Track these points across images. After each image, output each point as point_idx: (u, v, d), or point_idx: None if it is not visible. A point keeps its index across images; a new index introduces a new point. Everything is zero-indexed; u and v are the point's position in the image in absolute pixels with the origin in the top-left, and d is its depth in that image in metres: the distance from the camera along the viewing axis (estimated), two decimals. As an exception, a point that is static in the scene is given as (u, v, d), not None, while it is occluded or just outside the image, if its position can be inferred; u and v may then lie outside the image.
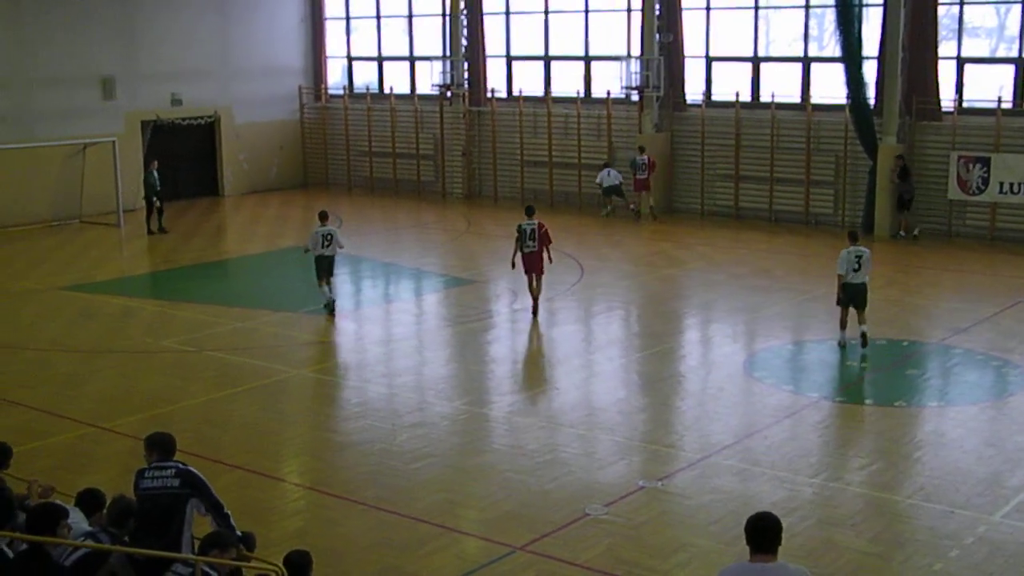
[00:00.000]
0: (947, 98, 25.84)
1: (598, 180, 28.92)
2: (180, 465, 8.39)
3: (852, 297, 16.79)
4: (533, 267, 19.07)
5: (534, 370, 16.54)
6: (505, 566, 10.23)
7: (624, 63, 29.19)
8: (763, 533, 6.40)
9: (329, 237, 19.50)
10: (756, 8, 28.22)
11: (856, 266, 16.75)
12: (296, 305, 20.35)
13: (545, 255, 19.03)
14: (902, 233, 25.55)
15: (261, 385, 15.79)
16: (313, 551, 8.11)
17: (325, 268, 19.57)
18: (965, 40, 26.12)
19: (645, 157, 28.41)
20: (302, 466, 13.15)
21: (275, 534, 10.60)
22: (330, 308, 19.53)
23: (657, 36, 28.55)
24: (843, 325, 16.87)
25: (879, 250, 24.57)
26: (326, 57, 35.83)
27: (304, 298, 20.96)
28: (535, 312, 19.14)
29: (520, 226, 19.20)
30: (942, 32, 25.98)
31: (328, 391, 15.79)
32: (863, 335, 16.71)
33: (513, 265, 19.16)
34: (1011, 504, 11.38)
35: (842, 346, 16.83)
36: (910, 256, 24.03)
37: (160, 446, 8.45)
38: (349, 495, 11.86)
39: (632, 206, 28.75)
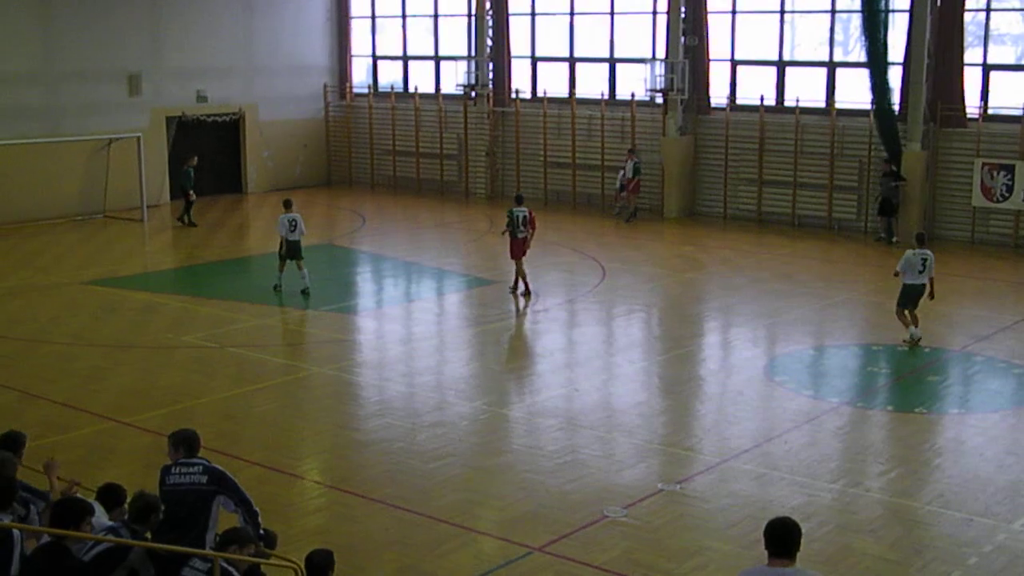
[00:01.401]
0: (972, 105, 25.73)
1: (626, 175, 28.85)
2: (207, 462, 8.44)
3: (913, 297, 17.17)
4: (522, 251, 20.50)
5: (554, 371, 16.56)
6: (523, 567, 10.26)
7: (649, 65, 29.17)
8: (782, 537, 6.41)
9: (295, 222, 20.62)
10: (782, 12, 28.15)
11: (921, 268, 17.11)
12: (318, 303, 20.44)
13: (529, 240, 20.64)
14: (894, 239, 25.49)
15: (282, 382, 15.88)
16: (331, 548, 8.15)
17: (292, 252, 20.67)
18: (991, 47, 26.00)
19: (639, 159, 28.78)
20: (322, 463, 13.21)
21: (294, 531, 10.66)
22: (305, 293, 20.60)
23: (682, 39, 28.53)
24: (907, 323, 17.26)
25: (899, 256, 24.52)
26: (351, 56, 35.94)
27: (326, 296, 21.07)
28: (528, 293, 20.48)
29: (512, 212, 20.61)
30: (968, 39, 25.87)
31: (348, 389, 15.85)
32: (916, 336, 17.17)
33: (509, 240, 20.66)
34: (1031, 513, 11.35)
35: (914, 342, 17.10)
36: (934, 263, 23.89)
37: (186, 443, 8.51)
38: (368, 493, 11.91)
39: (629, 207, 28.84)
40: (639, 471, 12.53)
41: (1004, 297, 21.02)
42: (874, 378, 16.43)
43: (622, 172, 28.86)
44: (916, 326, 17.25)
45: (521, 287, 20.67)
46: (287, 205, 21.20)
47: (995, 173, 24.89)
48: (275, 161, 34.61)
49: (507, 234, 20.76)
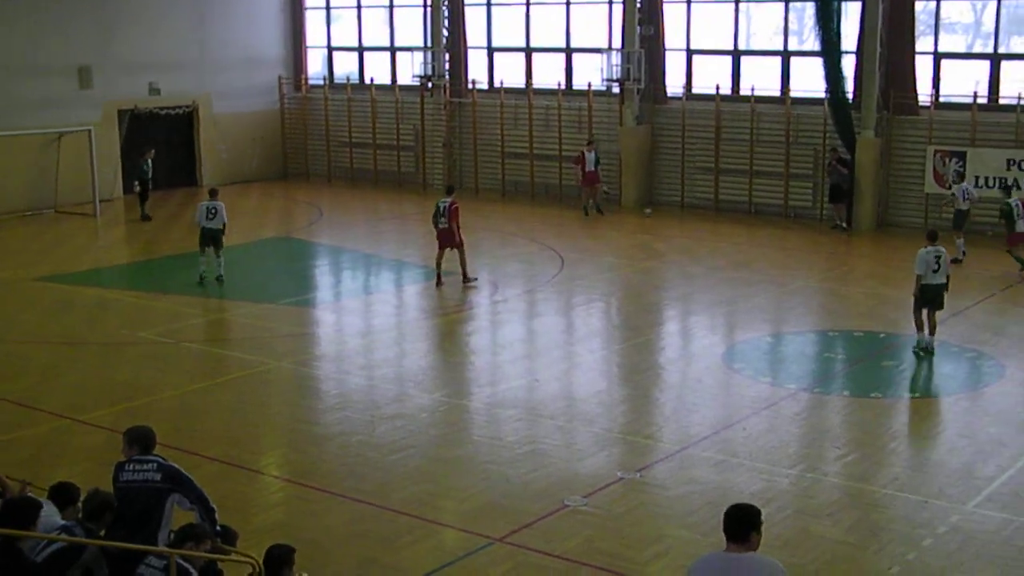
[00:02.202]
0: (924, 93, 26.00)
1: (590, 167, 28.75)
2: (161, 460, 8.32)
3: (932, 298, 16.19)
4: (445, 242, 20.51)
5: (514, 361, 16.57)
6: (483, 557, 10.26)
7: (605, 55, 29.17)
8: (739, 523, 6.45)
9: (214, 210, 20.76)
10: (736, 2, 28.28)
11: (936, 266, 16.15)
12: (275, 296, 20.32)
13: (456, 231, 20.42)
14: (843, 225, 25.85)
15: (239, 377, 15.76)
16: (292, 543, 8.11)
17: (209, 240, 20.77)
18: (942, 35, 26.32)
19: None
20: (281, 458, 13.13)
21: (253, 526, 10.58)
22: (219, 280, 20.86)
23: (638, 29, 28.59)
24: (920, 327, 16.27)
25: (859, 244, 24.77)
26: (306, 47, 35.69)
27: (283, 290, 20.96)
28: (465, 279, 20.57)
29: (437, 203, 20.81)
30: (919, 27, 26.14)
31: (307, 383, 15.76)
32: (930, 346, 16.20)
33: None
34: (983, 494, 11.49)
35: (922, 349, 16.15)
36: (888, 249, 24.17)
37: (140, 440, 8.36)
38: (328, 487, 11.86)
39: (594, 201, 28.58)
40: (599, 460, 12.56)
41: (956, 282, 21.08)
42: (831, 364, 16.56)
43: (578, 165, 28.70)
44: (932, 334, 16.20)
45: (462, 274, 20.62)
46: (211, 193, 21.49)
47: (947, 160, 25.17)
48: (230, 154, 34.33)
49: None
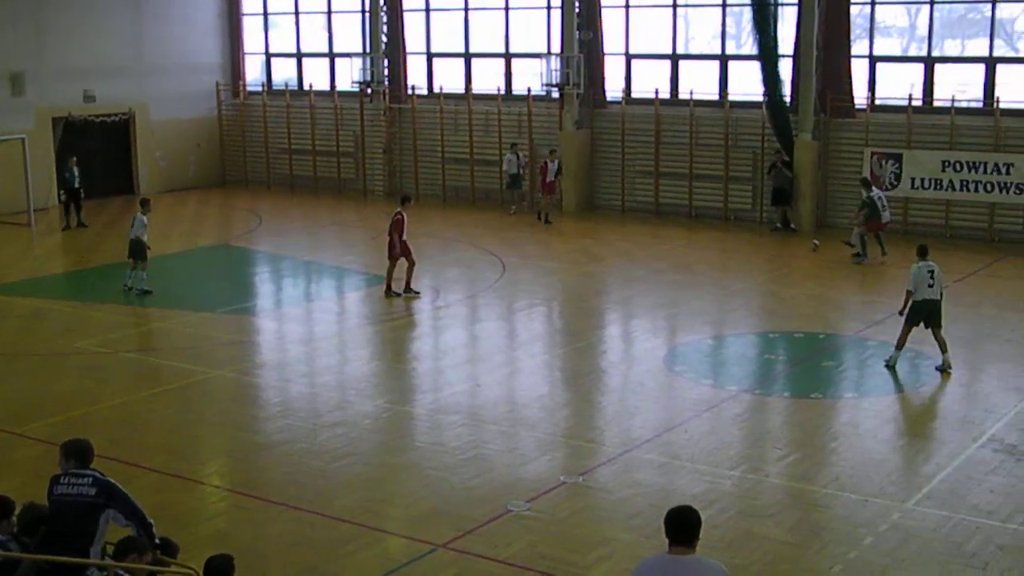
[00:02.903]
0: (860, 95, 26.35)
1: (505, 167, 29.00)
2: (98, 474, 8.17)
3: (928, 314, 15.67)
4: (390, 252, 20.35)
5: (456, 367, 16.52)
6: (427, 564, 10.22)
7: (544, 60, 29.26)
8: (681, 525, 6.46)
9: (132, 221, 20.68)
10: (675, 6, 28.46)
11: (930, 281, 15.65)
12: (214, 305, 20.09)
13: (395, 242, 20.12)
14: (792, 226, 26.18)
15: (179, 386, 15.56)
16: (234, 553, 8.00)
17: (131, 252, 20.60)
18: (877, 39, 26.71)
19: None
20: (222, 468, 12.99)
21: (195, 537, 10.45)
22: (141, 293, 20.56)
23: (577, 33, 28.68)
24: (900, 345, 15.79)
25: (798, 245, 25.00)
26: (244, 53, 35.39)
27: (223, 298, 20.74)
28: (386, 292, 20.32)
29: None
30: (855, 31, 26.51)
31: (248, 391, 15.60)
32: (946, 364, 15.63)
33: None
34: (923, 491, 11.65)
35: (891, 367, 15.75)
36: (826, 250, 24.40)
37: (77, 453, 8.21)
38: (270, 496, 11.74)
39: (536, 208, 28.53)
40: (542, 464, 12.55)
41: (895, 282, 21.44)
42: (771, 365, 16.71)
43: (518, 167, 28.76)
44: (945, 351, 15.63)
45: (401, 287, 20.26)
46: (140, 203, 21.30)
47: (884, 162, 25.52)
48: (168, 161, 33.91)
49: None
